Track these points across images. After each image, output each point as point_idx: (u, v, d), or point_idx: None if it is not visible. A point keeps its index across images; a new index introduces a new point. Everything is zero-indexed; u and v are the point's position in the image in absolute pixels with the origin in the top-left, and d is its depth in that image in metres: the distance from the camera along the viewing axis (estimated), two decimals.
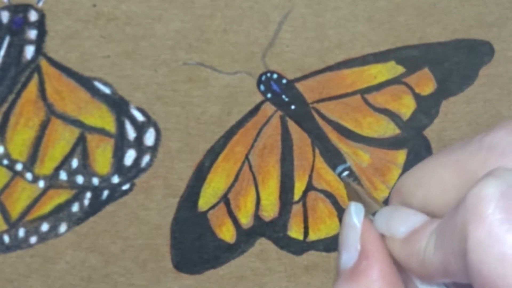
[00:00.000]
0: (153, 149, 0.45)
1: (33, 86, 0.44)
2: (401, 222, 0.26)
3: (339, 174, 0.46)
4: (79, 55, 0.43)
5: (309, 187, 0.46)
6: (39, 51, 0.43)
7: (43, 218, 0.45)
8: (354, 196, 0.28)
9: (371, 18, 0.45)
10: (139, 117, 0.44)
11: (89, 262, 0.45)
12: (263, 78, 0.45)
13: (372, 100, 0.46)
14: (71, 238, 0.45)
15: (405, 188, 0.27)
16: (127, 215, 0.45)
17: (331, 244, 0.47)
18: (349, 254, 0.27)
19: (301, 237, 0.47)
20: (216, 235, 0.46)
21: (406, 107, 0.47)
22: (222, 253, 0.46)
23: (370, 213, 0.27)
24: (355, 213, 0.27)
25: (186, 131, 0.45)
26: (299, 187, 0.46)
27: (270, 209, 0.46)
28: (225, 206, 0.46)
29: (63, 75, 0.44)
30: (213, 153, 0.45)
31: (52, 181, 0.44)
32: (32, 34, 0.43)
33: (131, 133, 0.45)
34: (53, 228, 0.45)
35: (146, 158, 0.45)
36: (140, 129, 0.45)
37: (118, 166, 0.45)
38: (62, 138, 0.44)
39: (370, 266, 0.26)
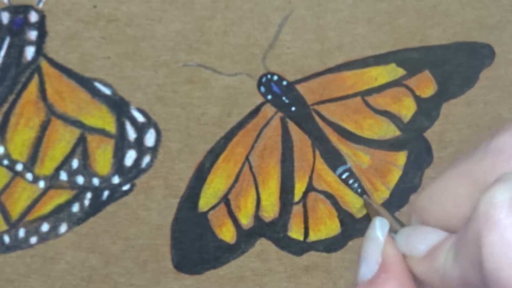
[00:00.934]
0: (154, 150, 0.45)
1: (33, 86, 0.44)
2: (420, 241, 0.26)
3: (340, 175, 0.46)
4: (79, 56, 0.43)
5: (309, 188, 0.46)
6: (39, 52, 0.43)
7: (43, 218, 0.45)
8: (375, 216, 0.28)
9: (372, 20, 0.45)
10: (140, 118, 0.44)
11: (89, 262, 0.45)
12: (264, 79, 0.45)
13: (373, 102, 0.46)
14: (72, 238, 0.45)
15: (421, 207, 0.27)
16: (128, 216, 0.45)
17: (331, 245, 0.47)
18: (368, 266, 0.27)
19: (301, 238, 0.47)
20: (217, 236, 0.46)
21: (407, 109, 0.46)
22: (222, 254, 0.46)
23: (392, 233, 0.27)
24: (380, 227, 0.27)
25: (187, 132, 0.45)
26: (299, 188, 0.46)
27: (270, 210, 0.46)
28: (226, 206, 0.46)
29: (63, 75, 0.44)
30: (214, 154, 0.45)
31: (53, 182, 0.44)
32: (33, 35, 0.43)
33: (131, 134, 0.45)
34: (53, 228, 0.45)
35: (146, 159, 0.45)
36: (141, 129, 0.45)
37: (118, 166, 0.45)
38: (62, 139, 0.44)
39: (388, 280, 0.26)
